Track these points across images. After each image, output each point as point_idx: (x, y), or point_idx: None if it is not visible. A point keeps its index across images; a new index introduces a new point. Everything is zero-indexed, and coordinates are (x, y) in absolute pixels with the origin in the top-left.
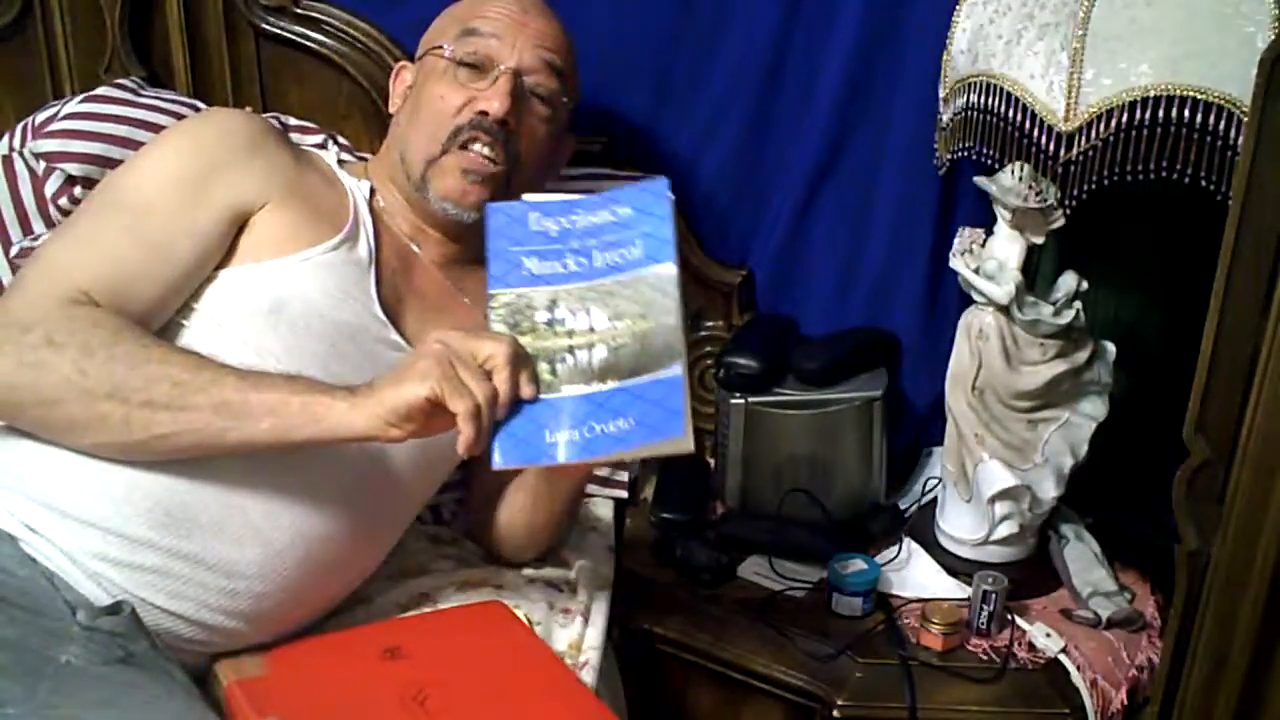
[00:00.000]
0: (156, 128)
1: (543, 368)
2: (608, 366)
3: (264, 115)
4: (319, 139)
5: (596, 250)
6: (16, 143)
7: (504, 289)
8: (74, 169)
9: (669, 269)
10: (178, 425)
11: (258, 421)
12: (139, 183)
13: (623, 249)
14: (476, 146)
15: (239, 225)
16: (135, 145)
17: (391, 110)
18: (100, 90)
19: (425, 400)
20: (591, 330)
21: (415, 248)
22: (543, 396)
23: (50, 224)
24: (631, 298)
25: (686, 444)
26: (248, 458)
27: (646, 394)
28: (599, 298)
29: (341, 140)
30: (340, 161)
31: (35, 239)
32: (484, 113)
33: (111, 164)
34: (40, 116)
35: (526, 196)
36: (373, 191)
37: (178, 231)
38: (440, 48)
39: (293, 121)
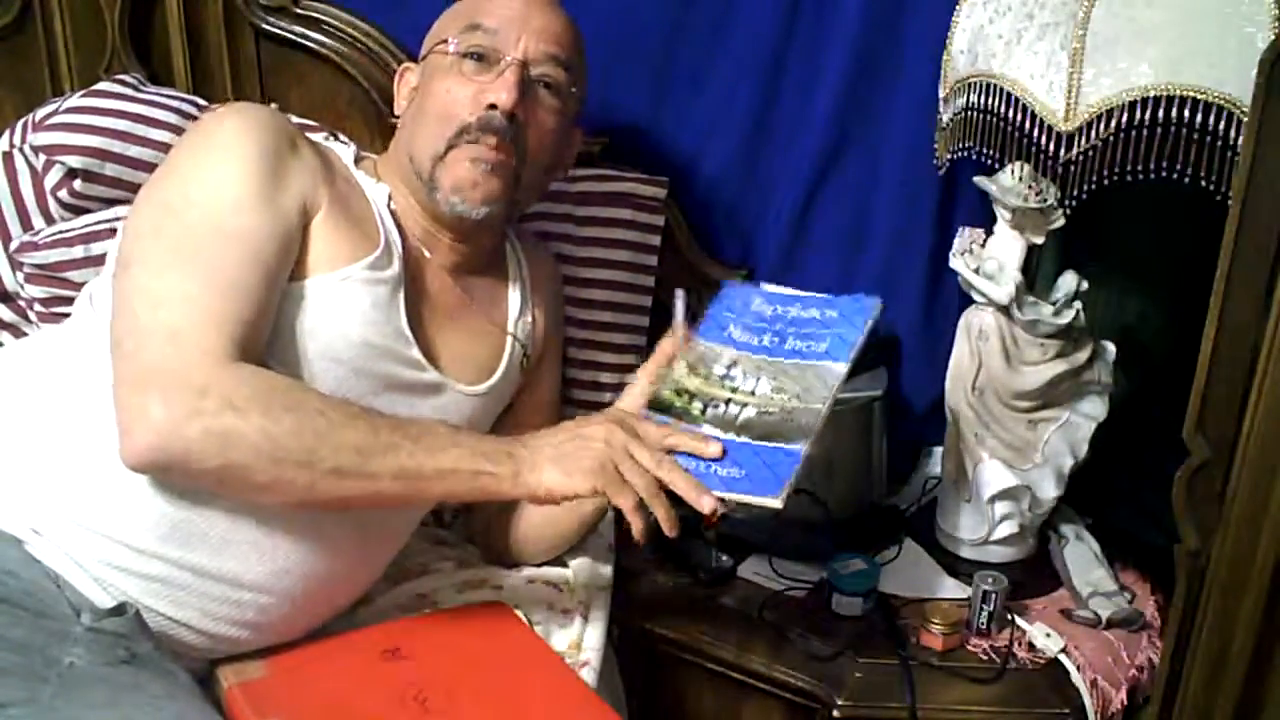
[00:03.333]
0: (157, 123)
1: (695, 405)
2: (747, 424)
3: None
4: (322, 135)
5: (792, 337)
6: (17, 139)
7: (700, 340)
8: (74, 161)
9: (840, 367)
10: (360, 490)
11: (431, 486)
12: (230, 203)
13: (813, 341)
14: (486, 140)
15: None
16: (135, 139)
17: (397, 112)
18: (101, 85)
19: (588, 493)
20: (752, 394)
21: (426, 252)
22: (682, 426)
23: (50, 219)
24: (797, 379)
25: (777, 505)
26: None
27: (766, 457)
28: (772, 372)
29: (343, 138)
30: (356, 160)
31: (36, 234)
32: (492, 106)
33: (111, 157)
34: (41, 113)
35: (763, 285)
36: (389, 194)
37: (280, 250)
38: (444, 43)
39: (294, 119)
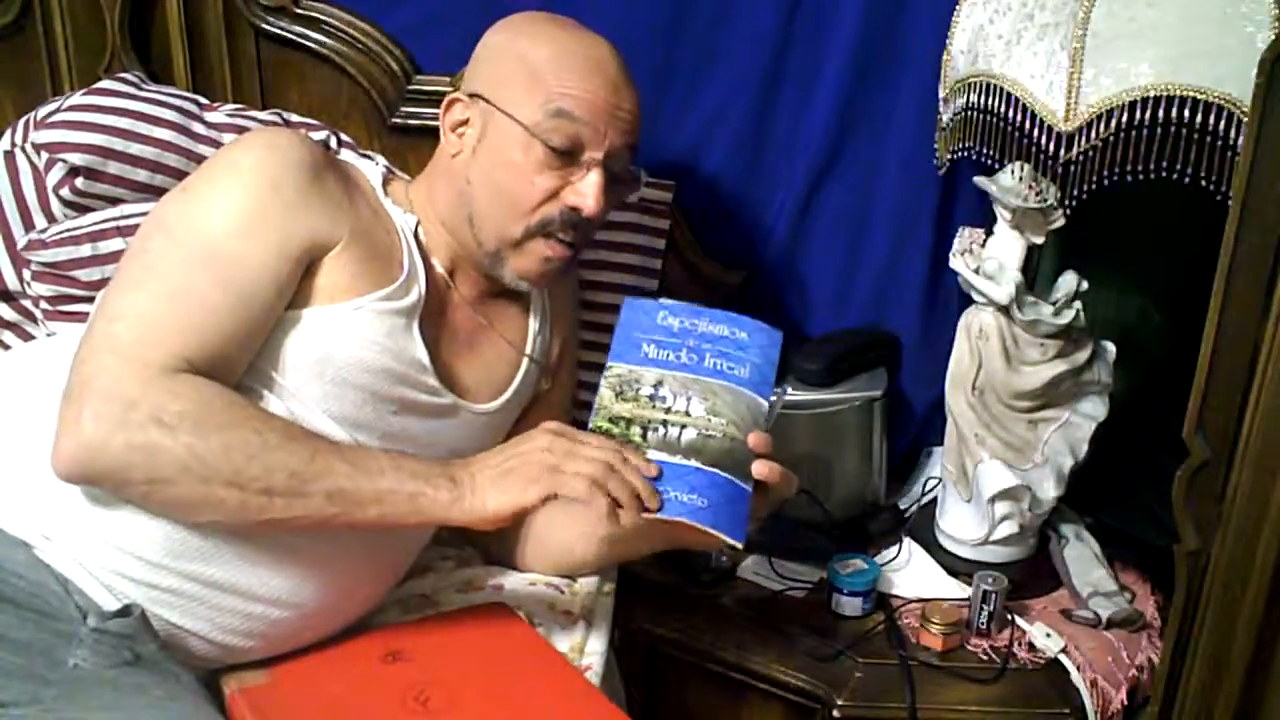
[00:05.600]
0: (160, 121)
1: (634, 431)
2: (694, 447)
3: (296, 129)
4: (323, 135)
5: (709, 354)
6: (19, 138)
7: (619, 363)
8: (76, 159)
9: (764, 404)
10: (292, 512)
11: (366, 510)
12: (220, 227)
13: (733, 364)
14: (562, 236)
15: (307, 265)
16: (138, 137)
17: (450, 151)
18: (103, 84)
19: (536, 502)
20: (687, 414)
21: (449, 282)
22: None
23: (51, 217)
24: (731, 405)
25: (738, 547)
26: None
27: (724, 489)
28: (701, 391)
29: (345, 138)
30: (385, 181)
31: (43, 232)
32: (575, 209)
33: (114, 155)
34: (42, 111)
35: (663, 300)
36: (416, 223)
37: (265, 282)
38: (522, 122)
39: (294, 119)
